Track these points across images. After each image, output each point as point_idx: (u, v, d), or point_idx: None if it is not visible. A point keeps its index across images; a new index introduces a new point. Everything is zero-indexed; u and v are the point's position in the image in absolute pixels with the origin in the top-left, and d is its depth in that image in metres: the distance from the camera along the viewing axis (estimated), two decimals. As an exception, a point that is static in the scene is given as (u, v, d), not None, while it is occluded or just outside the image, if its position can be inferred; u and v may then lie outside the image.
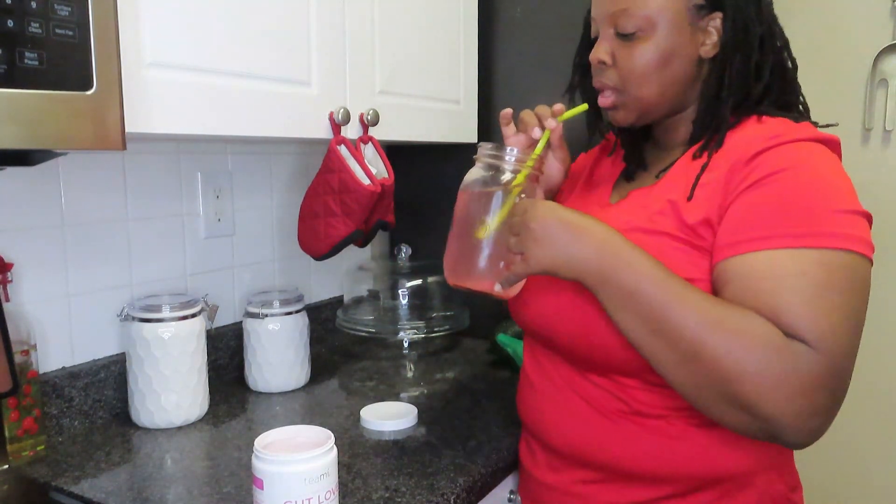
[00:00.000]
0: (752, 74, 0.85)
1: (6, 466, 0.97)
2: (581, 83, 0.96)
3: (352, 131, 1.21)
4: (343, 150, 1.19)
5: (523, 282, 0.88)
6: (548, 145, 0.91)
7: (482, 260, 0.86)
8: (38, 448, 1.03)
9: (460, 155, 1.58)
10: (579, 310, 0.83)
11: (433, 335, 1.51)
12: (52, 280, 1.11)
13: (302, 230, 1.29)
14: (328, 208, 1.22)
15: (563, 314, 0.86)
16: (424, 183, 1.68)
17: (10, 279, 1.01)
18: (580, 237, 0.77)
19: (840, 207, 0.74)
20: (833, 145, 0.82)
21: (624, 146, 0.98)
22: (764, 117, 0.84)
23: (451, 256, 0.90)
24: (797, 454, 0.86)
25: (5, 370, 0.91)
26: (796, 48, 0.89)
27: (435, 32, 1.39)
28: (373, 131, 1.23)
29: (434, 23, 1.39)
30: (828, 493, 2.30)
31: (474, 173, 0.90)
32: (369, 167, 1.21)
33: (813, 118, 0.88)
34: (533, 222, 0.78)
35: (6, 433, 0.98)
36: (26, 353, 1.01)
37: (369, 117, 1.21)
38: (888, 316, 2.14)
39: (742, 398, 0.70)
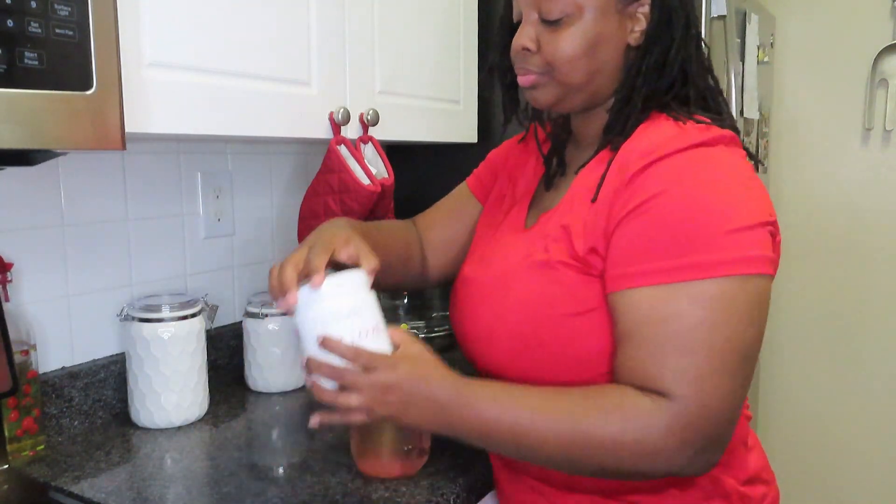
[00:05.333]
0: (670, 63, 0.82)
1: (6, 466, 0.97)
2: (501, 63, 0.92)
3: (352, 131, 1.21)
4: (343, 150, 1.19)
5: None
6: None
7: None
8: (38, 448, 1.03)
9: (460, 155, 1.59)
10: (516, 342, 0.83)
11: (433, 335, 1.51)
12: (52, 280, 1.11)
13: (302, 230, 1.29)
14: (328, 208, 1.22)
15: (498, 345, 0.87)
16: (424, 183, 1.68)
17: (10, 279, 1.01)
18: (416, 407, 0.79)
19: (722, 227, 0.71)
20: (727, 140, 0.78)
21: (545, 142, 0.96)
22: (660, 118, 0.81)
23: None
24: (776, 460, 0.86)
25: (5, 370, 0.91)
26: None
27: (435, 32, 1.39)
28: (373, 131, 1.23)
29: (434, 23, 1.39)
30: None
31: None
32: (369, 167, 1.21)
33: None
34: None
35: (6, 433, 0.98)
36: (26, 353, 1.01)
37: (369, 117, 1.21)
38: (885, 316, 2.17)
39: (635, 474, 0.74)
